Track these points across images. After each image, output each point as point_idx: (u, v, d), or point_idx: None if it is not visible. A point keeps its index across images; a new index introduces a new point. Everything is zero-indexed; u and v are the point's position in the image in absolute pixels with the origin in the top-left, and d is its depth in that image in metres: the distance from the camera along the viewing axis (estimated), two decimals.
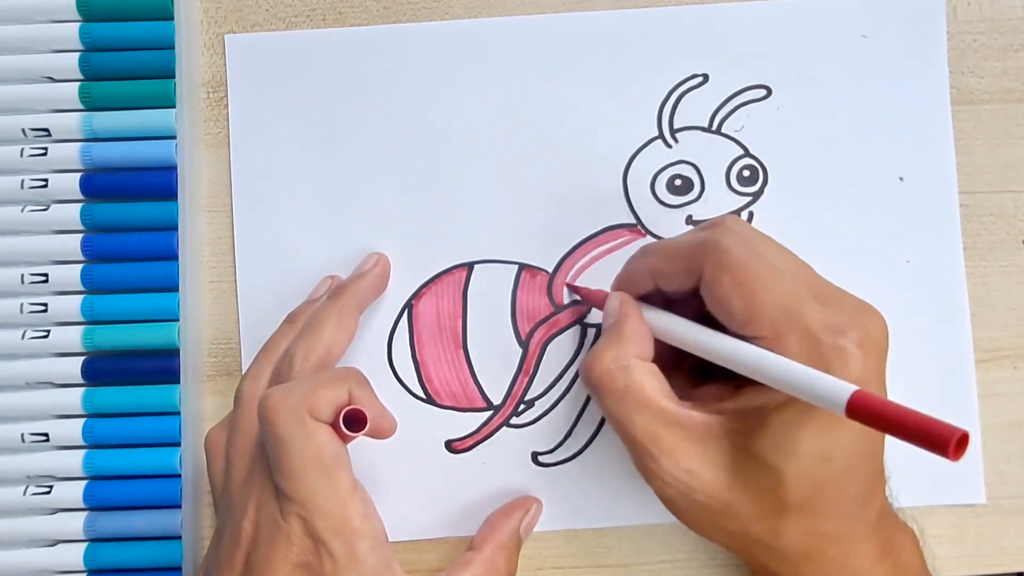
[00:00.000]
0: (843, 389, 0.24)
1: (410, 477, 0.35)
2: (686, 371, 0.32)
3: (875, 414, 0.23)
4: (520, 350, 0.36)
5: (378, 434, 0.31)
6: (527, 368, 0.36)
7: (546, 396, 0.36)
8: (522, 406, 0.36)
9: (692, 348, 0.30)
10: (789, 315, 0.27)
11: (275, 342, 0.33)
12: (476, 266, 0.36)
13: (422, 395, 0.36)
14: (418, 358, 0.36)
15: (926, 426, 0.22)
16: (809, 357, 0.26)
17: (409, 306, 0.36)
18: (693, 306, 0.30)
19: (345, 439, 0.29)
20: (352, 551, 0.28)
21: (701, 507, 0.29)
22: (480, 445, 0.36)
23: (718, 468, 0.28)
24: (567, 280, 0.36)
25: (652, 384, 0.29)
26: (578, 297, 0.36)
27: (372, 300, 0.35)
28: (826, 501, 0.28)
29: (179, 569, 0.35)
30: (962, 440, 0.22)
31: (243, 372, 0.35)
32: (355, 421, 0.29)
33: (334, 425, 0.29)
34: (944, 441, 0.22)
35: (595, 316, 0.36)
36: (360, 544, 0.28)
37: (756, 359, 0.27)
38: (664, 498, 0.30)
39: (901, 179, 0.36)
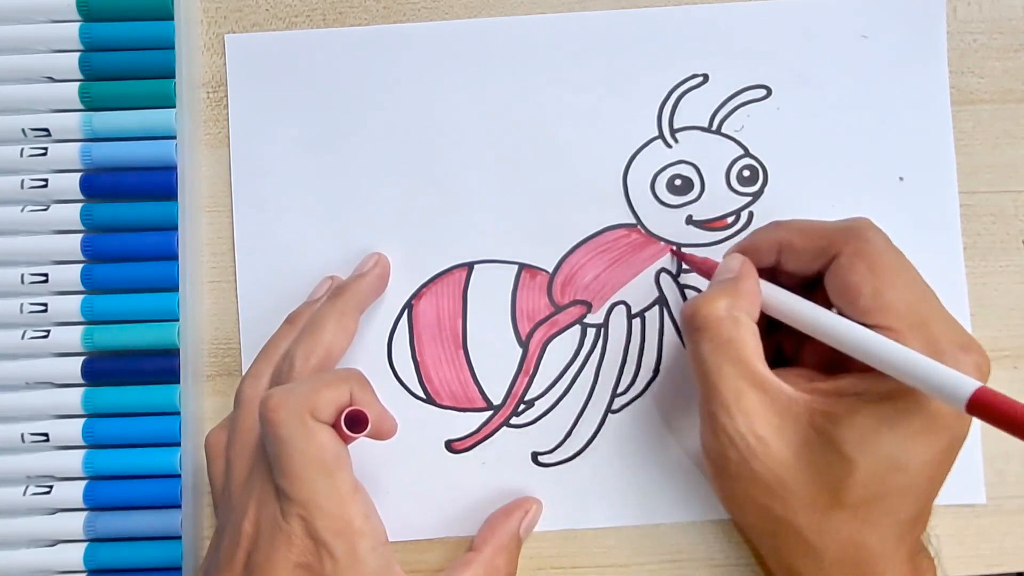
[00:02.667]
0: (968, 383, 0.24)
1: (410, 477, 0.35)
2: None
3: (1000, 409, 0.23)
4: (520, 350, 0.36)
5: (379, 435, 0.31)
6: (527, 368, 0.36)
7: (546, 396, 0.36)
8: (522, 406, 0.36)
9: (807, 326, 0.29)
10: (917, 316, 0.28)
11: (275, 343, 0.33)
12: (476, 266, 0.36)
13: (422, 395, 0.36)
14: (418, 358, 0.36)
15: None
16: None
17: (409, 306, 0.36)
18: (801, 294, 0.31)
19: (346, 440, 0.29)
20: (353, 551, 0.28)
21: (754, 477, 0.29)
22: (480, 445, 0.36)
23: (788, 445, 0.28)
24: (566, 278, 0.36)
25: (753, 344, 0.29)
26: (580, 298, 0.36)
27: (372, 300, 0.35)
28: (880, 513, 0.28)
29: (179, 569, 0.35)
30: None
31: (243, 372, 0.35)
32: (356, 422, 0.29)
33: (335, 426, 0.29)
34: None
35: (595, 316, 0.36)
36: (361, 544, 0.28)
37: (881, 344, 0.27)
38: (720, 457, 0.29)
39: (901, 179, 0.36)
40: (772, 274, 0.32)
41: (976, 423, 0.33)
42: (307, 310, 0.34)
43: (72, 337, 0.35)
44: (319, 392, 0.29)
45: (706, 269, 0.34)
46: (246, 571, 0.28)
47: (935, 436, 0.27)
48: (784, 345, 0.33)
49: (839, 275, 0.29)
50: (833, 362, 0.30)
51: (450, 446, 0.36)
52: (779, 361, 0.32)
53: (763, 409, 0.28)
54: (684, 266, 0.36)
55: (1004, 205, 0.36)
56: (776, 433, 0.28)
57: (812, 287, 0.31)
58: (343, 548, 0.28)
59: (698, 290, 0.36)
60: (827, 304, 0.30)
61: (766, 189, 0.36)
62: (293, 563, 0.28)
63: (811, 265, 0.30)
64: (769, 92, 0.36)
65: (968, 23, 0.37)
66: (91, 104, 0.36)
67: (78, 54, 0.36)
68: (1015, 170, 0.36)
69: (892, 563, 0.28)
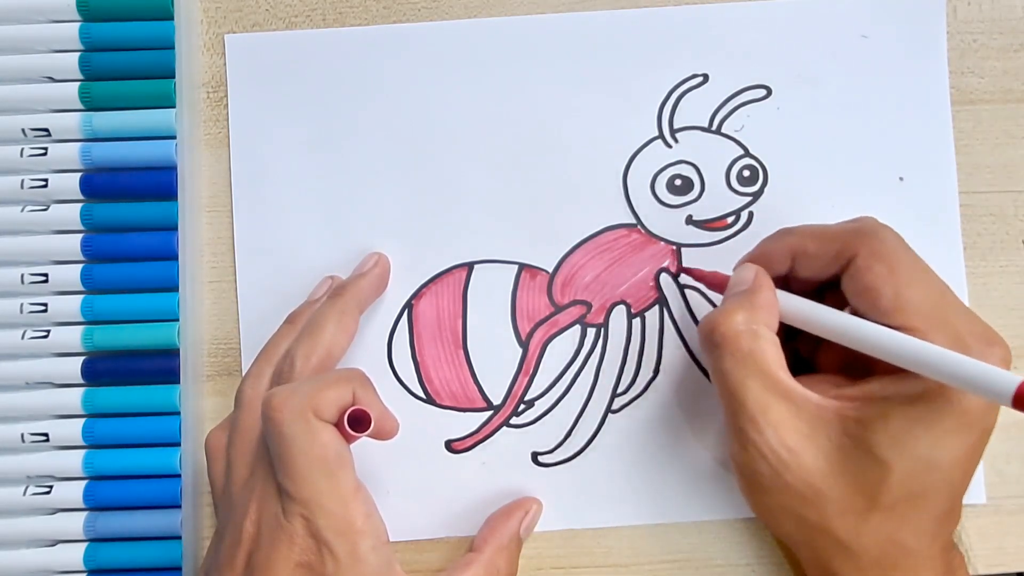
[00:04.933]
0: (1011, 378, 0.24)
1: (410, 477, 0.35)
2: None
3: None
4: (520, 350, 0.36)
5: (381, 435, 0.31)
6: (527, 368, 0.36)
7: (546, 396, 0.36)
8: (522, 406, 0.36)
9: (830, 332, 0.29)
10: (939, 313, 0.28)
11: (275, 343, 0.33)
12: (476, 266, 0.36)
13: (422, 395, 0.36)
14: (418, 358, 0.36)
15: None
16: None
17: (409, 306, 0.36)
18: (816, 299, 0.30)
19: (348, 439, 0.29)
20: (354, 551, 0.28)
21: (787, 489, 0.28)
22: (480, 445, 0.36)
23: (820, 453, 0.28)
24: (566, 278, 0.36)
25: (775, 354, 0.29)
26: (580, 298, 0.36)
27: (372, 300, 0.35)
28: (916, 511, 0.28)
29: (179, 569, 0.35)
30: None
31: (243, 372, 0.35)
32: (359, 421, 0.29)
33: (338, 425, 0.29)
34: None
35: (595, 316, 0.36)
36: (362, 544, 0.28)
37: (915, 346, 0.27)
38: (752, 472, 0.29)
39: (901, 179, 0.36)
40: (784, 281, 0.32)
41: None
42: (307, 310, 0.34)
43: (72, 337, 0.35)
44: (322, 391, 0.29)
45: (717, 282, 0.34)
46: (247, 571, 0.28)
47: (967, 432, 0.27)
48: (800, 350, 0.33)
49: (857, 278, 0.29)
50: (849, 364, 0.30)
51: (450, 446, 0.36)
52: (797, 367, 0.32)
53: (791, 419, 0.28)
54: (684, 266, 0.36)
55: (1004, 205, 0.36)
56: (807, 442, 0.28)
57: (821, 291, 0.31)
58: (345, 547, 0.28)
59: (698, 291, 0.36)
60: (840, 307, 0.30)
61: (766, 189, 0.36)
62: (294, 562, 0.28)
63: (826, 270, 0.30)
64: (769, 92, 0.36)
65: (968, 23, 0.37)
66: (91, 104, 0.36)
67: (78, 54, 0.36)
68: (1015, 170, 0.36)
69: (927, 559, 0.28)
